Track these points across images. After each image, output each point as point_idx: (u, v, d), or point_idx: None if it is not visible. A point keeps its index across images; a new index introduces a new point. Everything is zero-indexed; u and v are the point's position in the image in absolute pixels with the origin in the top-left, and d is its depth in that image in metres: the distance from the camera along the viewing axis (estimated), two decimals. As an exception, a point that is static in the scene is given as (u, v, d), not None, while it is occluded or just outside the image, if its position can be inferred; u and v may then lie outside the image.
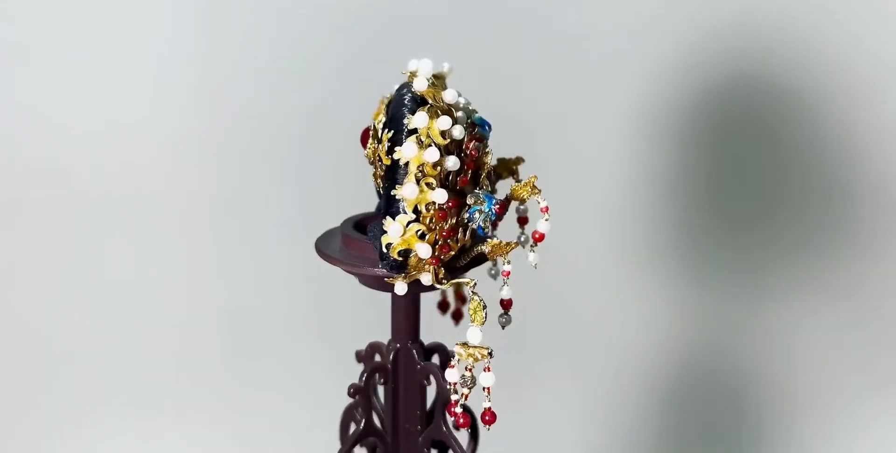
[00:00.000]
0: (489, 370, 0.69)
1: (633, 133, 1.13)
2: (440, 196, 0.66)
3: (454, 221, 0.67)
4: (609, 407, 1.18)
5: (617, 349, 1.19)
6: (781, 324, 1.17)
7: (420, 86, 0.68)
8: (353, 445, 0.76)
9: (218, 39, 1.09)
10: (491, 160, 0.72)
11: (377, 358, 0.78)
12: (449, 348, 0.80)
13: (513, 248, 0.69)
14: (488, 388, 0.69)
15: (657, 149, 1.13)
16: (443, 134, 0.67)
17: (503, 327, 0.72)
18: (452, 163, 0.67)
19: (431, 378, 0.76)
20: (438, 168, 0.67)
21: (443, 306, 0.82)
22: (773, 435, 1.17)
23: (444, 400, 0.76)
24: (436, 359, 0.79)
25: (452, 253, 0.68)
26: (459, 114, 0.70)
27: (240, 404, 1.16)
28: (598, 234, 1.16)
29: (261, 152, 1.11)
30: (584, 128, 1.13)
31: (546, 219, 0.72)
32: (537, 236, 0.72)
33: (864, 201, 1.13)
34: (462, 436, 0.82)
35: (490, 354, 0.69)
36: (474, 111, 0.72)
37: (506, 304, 0.71)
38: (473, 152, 0.69)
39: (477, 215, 0.68)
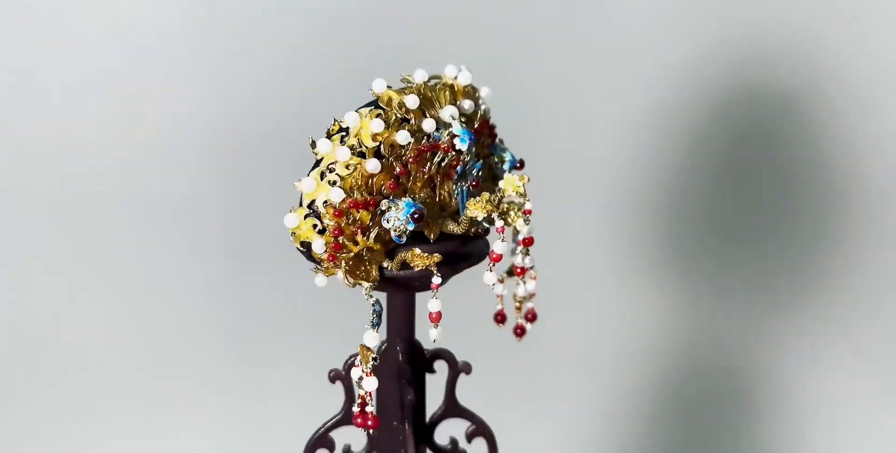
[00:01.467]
0: (370, 374, 0.69)
1: (633, 137, 1.13)
2: (335, 195, 0.67)
3: (352, 222, 0.67)
4: (608, 409, 1.19)
5: (616, 352, 1.20)
6: (781, 327, 1.17)
7: (377, 87, 0.69)
8: (330, 430, 0.78)
9: (223, 34, 1.11)
10: (465, 167, 0.71)
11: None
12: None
13: (436, 261, 0.68)
14: (369, 393, 0.69)
15: (657, 153, 1.13)
16: (374, 136, 0.68)
17: (433, 340, 0.70)
18: (372, 166, 0.67)
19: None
20: (352, 168, 0.67)
21: (499, 318, 0.81)
22: (774, 437, 1.17)
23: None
24: (440, 364, 0.79)
25: (352, 253, 0.68)
26: (427, 121, 0.69)
27: (240, 403, 1.19)
28: (598, 237, 1.17)
29: (256, 152, 1.13)
30: (584, 131, 1.13)
31: (502, 240, 0.69)
32: (494, 257, 0.70)
33: (868, 204, 1.13)
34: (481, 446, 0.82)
35: (375, 359, 0.69)
36: (465, 122, 0.71)
37: (434, 317, 0.70)
38: (412, 161, 0.68)
39: (392, 222, 0.68)
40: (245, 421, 1.21)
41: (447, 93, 0.72)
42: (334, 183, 0.67)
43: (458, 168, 0.71)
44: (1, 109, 1.13)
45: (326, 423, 0.78)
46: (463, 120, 0.71)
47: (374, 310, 0.68)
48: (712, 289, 1.17)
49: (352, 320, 1.03)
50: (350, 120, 0.68)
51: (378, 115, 0.68)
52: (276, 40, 1.13)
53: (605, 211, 1.16)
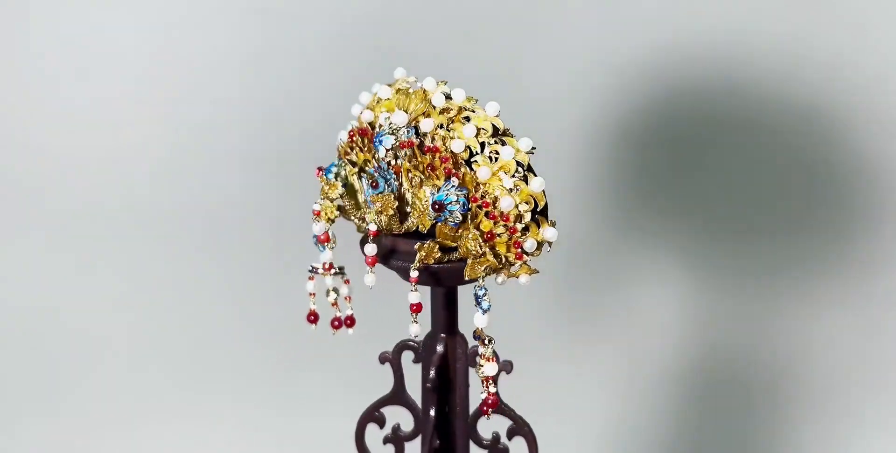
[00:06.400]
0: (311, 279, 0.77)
1: (640, 129, 1.17)
2: (343, 134, 0.77)
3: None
4: (624, 401, 1.22)
5: (631, 343, 1.23)
6: (797, 323, 1.20)
7: (396, 73, 0.77)
8: (378, 408, 0.83)
9: (221, 44, 1.15)
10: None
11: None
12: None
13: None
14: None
15: (665, 150, 1.17)
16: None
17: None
18: (344, 132, 0.77)
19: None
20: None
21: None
22: (785, 433, 1.19)
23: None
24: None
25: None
26: (366, 112, 0.76)
27: (279, 402, 1.21)
28: (613, 230, 1.20)
29: (294, 156, 1.15)
30: (585, 131, 1.16)
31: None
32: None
33: (878, 200, 1.16)
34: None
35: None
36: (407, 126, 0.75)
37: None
38: (351, 135, 0.76)
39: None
40: (290, 414, 1.24)
41: (419, 103, 0.75)
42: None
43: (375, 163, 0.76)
44: (28, 115, 1.20)
45: (376, 402, 0.83)
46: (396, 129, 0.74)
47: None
48: (727, 286, 1.21)
49: (391, 317, 1.06)
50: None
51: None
52: (278, 48, 1.18)
53: (620, 203, 1.20)
